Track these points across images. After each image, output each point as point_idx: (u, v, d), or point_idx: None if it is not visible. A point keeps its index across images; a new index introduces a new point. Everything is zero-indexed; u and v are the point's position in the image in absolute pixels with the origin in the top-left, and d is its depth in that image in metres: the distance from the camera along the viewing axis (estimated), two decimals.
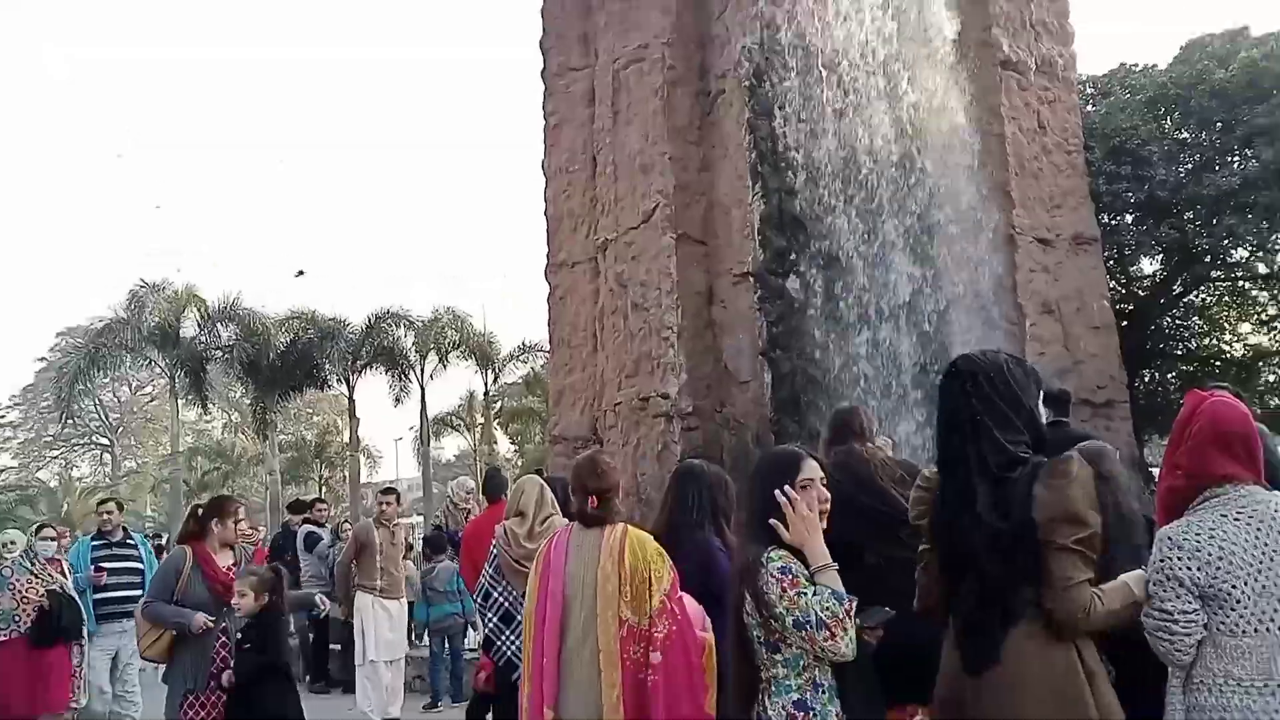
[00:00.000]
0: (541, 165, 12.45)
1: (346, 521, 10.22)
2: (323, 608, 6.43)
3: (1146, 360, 21.73)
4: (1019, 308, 12.95)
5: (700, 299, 11.44)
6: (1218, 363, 22.94)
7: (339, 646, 9.42)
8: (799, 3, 10.79)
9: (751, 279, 11.28)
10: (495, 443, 40.92)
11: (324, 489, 43.65)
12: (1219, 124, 18.11)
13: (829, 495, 2.46)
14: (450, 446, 51.39)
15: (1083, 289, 13.90)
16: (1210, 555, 2.25)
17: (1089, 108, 18.59)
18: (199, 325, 29.53)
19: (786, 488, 2.43)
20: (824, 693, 2.30)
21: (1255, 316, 22.86)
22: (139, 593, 6.90)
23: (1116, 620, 2.30)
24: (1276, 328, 22.50)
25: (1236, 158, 18.14)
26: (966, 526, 2.29)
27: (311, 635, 10.14)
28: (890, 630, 2.58)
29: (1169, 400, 22.22)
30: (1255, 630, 2.24)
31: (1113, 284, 20.23)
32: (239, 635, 4.77)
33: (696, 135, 11.09)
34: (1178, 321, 23.02)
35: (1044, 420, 2.54)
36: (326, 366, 30.04)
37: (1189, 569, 2.25)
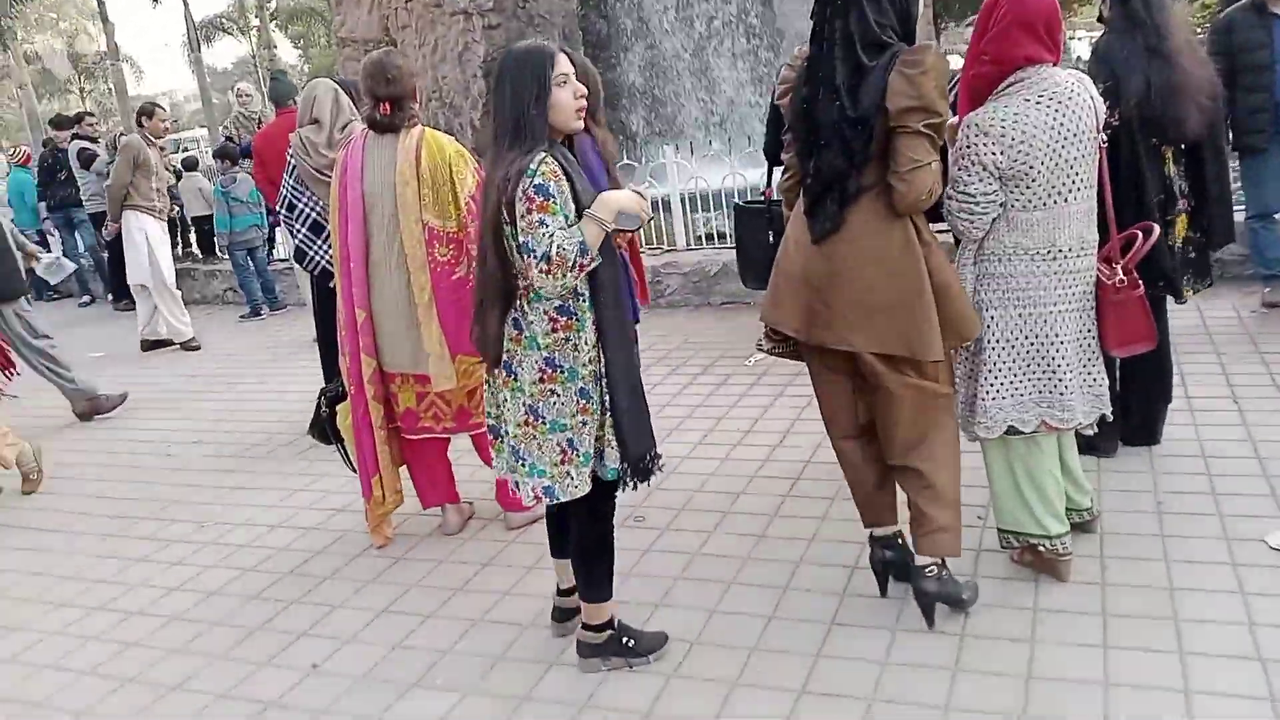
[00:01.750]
0: None
1: (122, 134, 9.26)
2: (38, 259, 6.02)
3: None
4: None
5: None
6: None
7: None
8: None
9: None
10: (275, 46, 37.17)
11: (86, 102, 39.24)
12: None
13: (585, 89, 2.32)
14: (226, 54, 46.45)
15: None
16: (1013, 139, 2.40)
17: None
18: None
19: None
20: (583, 300, 2.30)
21: None
22: None
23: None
24: None
25: None
26: (825, 105, 2.32)
27: (106, 255, 9.68)
28: None
29: None
30: (1044, 205, 2.46)
31: None
32: None
33: None
34: None
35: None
36: None
37: (993, 154, 2.41)
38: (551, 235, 2.16)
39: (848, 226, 2.40)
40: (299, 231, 3.98)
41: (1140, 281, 2.62)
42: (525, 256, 2.19)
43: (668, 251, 7.01)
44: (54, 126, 10.00)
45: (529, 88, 2.20)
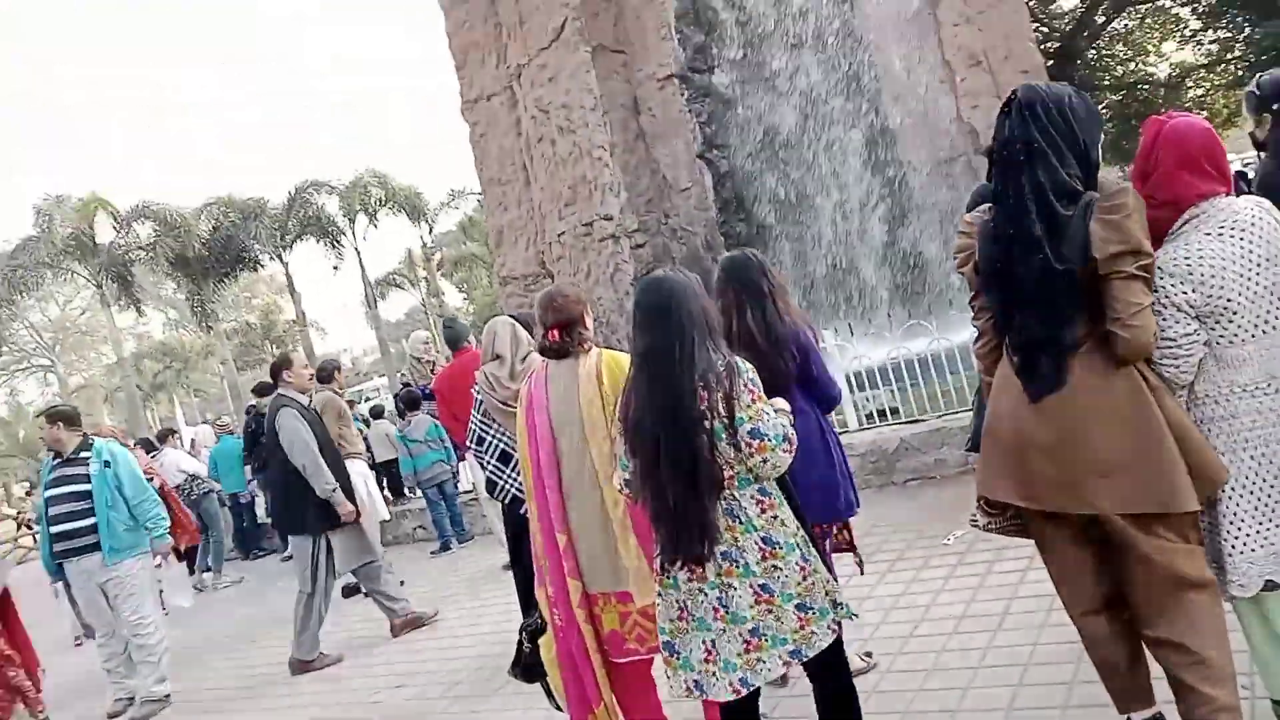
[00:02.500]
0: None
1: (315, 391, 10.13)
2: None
3: None
4: (948, 63, 12.76)
5: (627, 111, 11.08)
6: (1145, 86, 23.03)
7: None
8: None
9: (677, 81, 10.95)
10: (442, 294, 40.69)
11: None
12: None
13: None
14: (398, 306, 51.03)
15: (1008, 35, 13.62)
16: (1203, 275, 2.31)
17: None
18: (114, 229, 28.74)
19: None
20: (773, 493, 2.57)
21: (1178, 34, 22.77)
22: (90, 521, 5.79)
23: None
24: (1201, 42, 22.47)
25: None
26: (1022, 260, 2.28)
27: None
28: None
29: (1103, 131, 22.38)
30: (1254, 336, 2.33)
31: (1036, 26, 19.97)
32: None
33: None
34: (1103, 51, 22.92)
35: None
36: (255, 247, 29.48)
37: (1184, 293, 2.31)
38: (778, 420, 2.49)
39: (1068, 383, 2.31)
40: (489, 463, 4.16)
41: None
42: (755, 441, 2.45)
43: (841, 433, 6.89)
44: (257, 394, 10.99)
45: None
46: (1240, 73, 20.19)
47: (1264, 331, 2.34)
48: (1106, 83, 22.80)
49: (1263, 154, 3.06)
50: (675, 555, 2.54)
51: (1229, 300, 2.32)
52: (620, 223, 11.05)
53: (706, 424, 2.46)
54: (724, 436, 2.46)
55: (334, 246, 30.83)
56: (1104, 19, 21.17)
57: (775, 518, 2.54)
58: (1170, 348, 2.35)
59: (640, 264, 11.13)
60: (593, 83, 10.68)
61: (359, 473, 7.62)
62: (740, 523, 2.51)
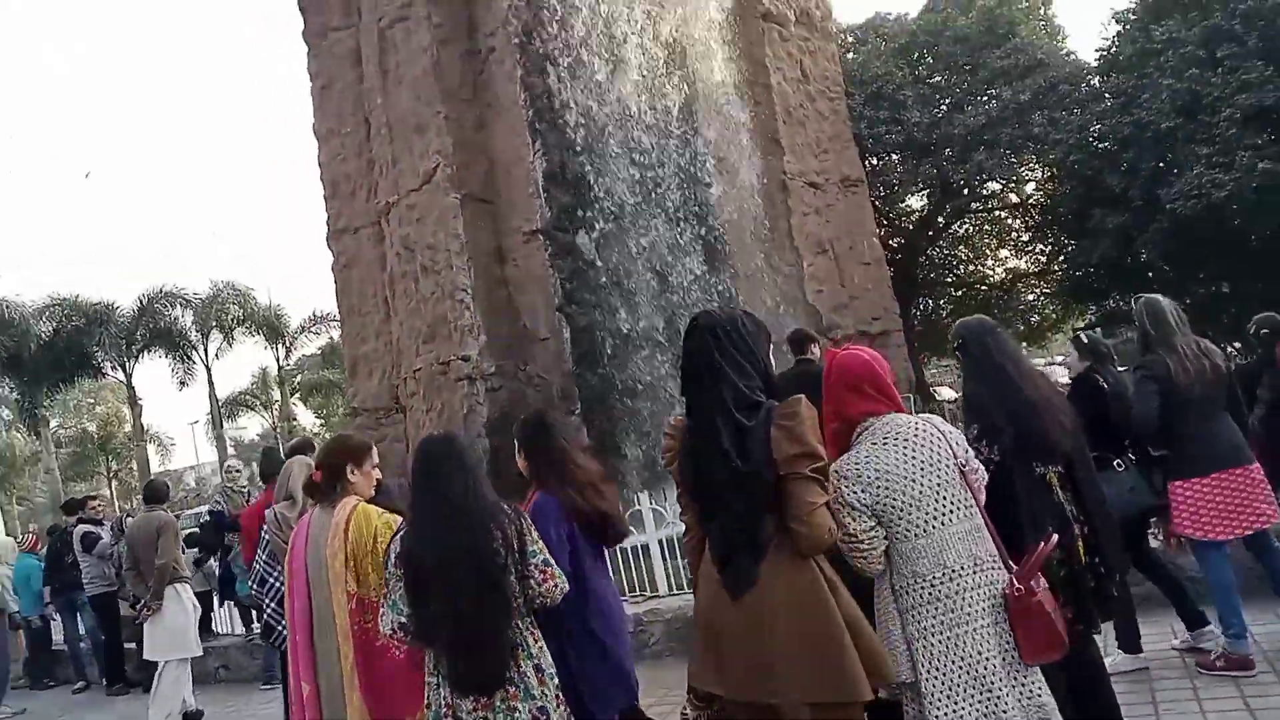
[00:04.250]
0: (312, 128, 11.96)
1: (129, 515, 9.61)
2: None
3: (920, 289, 23.57)
4: (795, 250, 13.72)
5: (491, 258, 11.38)
6: (983, 286, 25.16)
7: (134, 645, 8.94)
8: None
9: (541, 236, 11.36)
10: (294, 418, 39.39)
11: (113, 482, 40.83)
12: (965, 67, 19.67)
13: None
14: (253, 425, 49.03)
15: (853, 228, 14.86)
16: (870, 478, 2.64)
17: (848, 55, 19.73)
18: None
19: None
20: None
21: (1012, 242, 25.16)
22: None
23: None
24: (1030, 251, 24.85)
25: (983, 97, 19.79)
26: (713, 467, 2.51)
27: (103, 636, 9.65)
28: None
29: (942, 324, 24.21)
30: (925, 532, 2.64)
31: (884, 221, 21.78)
32: None
33: (471, 93, 10.95)
34: (945, 251, 25.05)
35: (773, 365, 2.79)
36: (99, 354, 28.01)
37: (856, 493, 2.65)
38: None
39: (761, 578, 2.50)
40: (268, 606, 4.08)
41: (1039, 589, 2.68)
42: (547, 569, 2.91)
43: (650, 598, 7.00)
44: (65, 511, 10.35)
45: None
46: (1063, 281, 22.36)
47: (934, 527, 2.66)
48: (948, 280, 24.79)
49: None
50: (466, 686, 2.73)
51: (894, 500, 2.64)
52: (477, 365, 11.15)
53: (500, 559, 2.75)
54: (514, 569, 2.78)
55: (184, 361, 29.62)
56: (945, 221, 23.20)
57: (542, 647, 2.87)
58: (853, 543, 2.64)
59: (495, 407, 11.20)
60: (459, 228, 10.98)
61: (189, 598, 7.26)
62: (523, 650, 2.80)
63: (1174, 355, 4.32)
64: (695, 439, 2.63)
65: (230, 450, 36.08)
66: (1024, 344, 29.16)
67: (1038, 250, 24.04)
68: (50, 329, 27.53)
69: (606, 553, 3.58)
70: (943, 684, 2.60)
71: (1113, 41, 19.62)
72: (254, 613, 9.68)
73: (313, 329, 32.94)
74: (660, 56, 11.92)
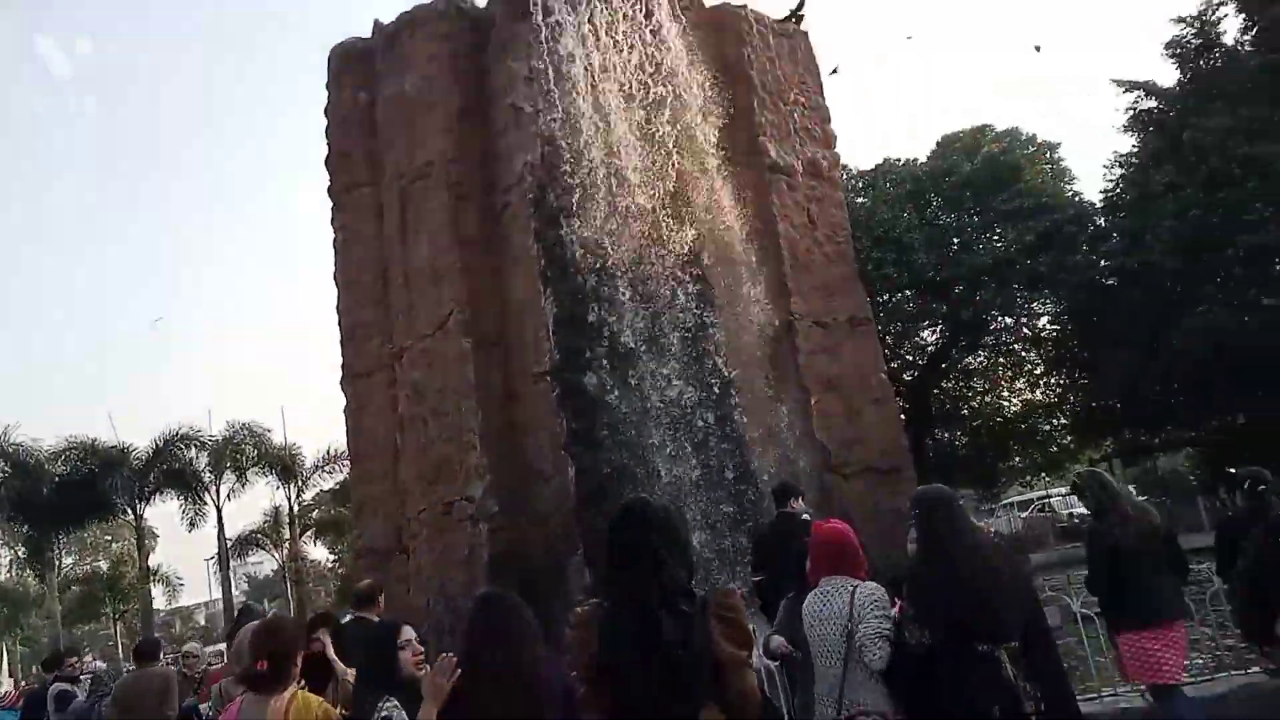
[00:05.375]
0: (334, 277, 12.48)
1: (108, 674, 9.48)
2: None
3: (935, 422, 23.60)
4: (804, 388, 13.85)
5: (499, 400, 11.63)
6: (998, 419, 25.15)
7: None
8: (578, 120, 11.41)
9: (549, 379, 11.62)
10: (303, 557, 38.96)
11: (118, 624, 40.28)
12: (973, 209, 20.26)
13: None
14: (270, 562, 48.54)
15: (861, 366, 14.98)
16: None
17: (859, 199, 20.42)
18: None
19: None
20: None
21: (1026, 375, 25.26)
22: None
23: None
24: (1045, 383, 24.91)
25: (993, 237, 20.31)
26: (648, 658, 2.52)
27: None
28: None
29: (958, 457, 24.15)
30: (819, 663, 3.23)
31: (896, 355, 22.06)
32: None
33: (486, 245, 11.44)
34: (959, 384, 25.18)
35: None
36: (112, 496, 28.01)
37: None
38: None
39: None
40: None
41: None
42: None
43: None
44: (43, 668, 10.10)
45: None
46: (1079, 412, 22.34)
47: (830, 663, 3.28)
48: (964, 413, 24.81)
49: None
50: None
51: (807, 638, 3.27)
52: (481, 506, 11.25)
53: None
54: None
55: (195, 502, 29.71)
56: (958, 355, 23.41)
57: None
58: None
59: (497, 548, 11.23)
60: (470, 372, 11.27)
61: None
62: None
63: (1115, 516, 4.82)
64: (623, 628, 2.65)
65: (244, 587, 35.71)
66: (1042, 474, 29.01)
67: (1052, 383, 24.11)
68: (64, 471, 27.89)
69: None
70: None
71: (1116, 183, 20.20)
72: None
73: (326, 468, 32.96)
74: (669, 205, 12.40)
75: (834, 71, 13.79)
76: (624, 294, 11.94)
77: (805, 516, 6.50)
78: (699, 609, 2.63)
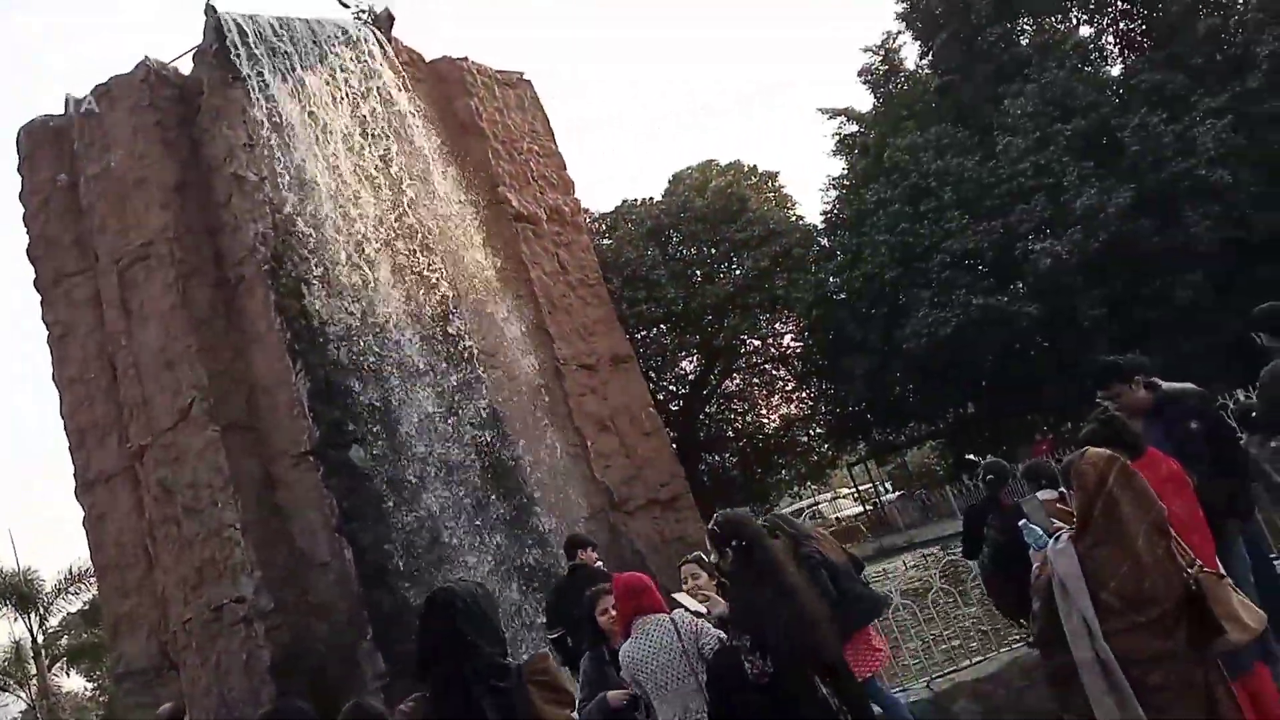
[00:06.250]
0: (53, 378, 11.22)
1: None
2: None
3: (704, 447, 24.55)
4: (578, 430, 14.00)
5: (258, 488, 10.86)
6: (760, 436, 26.54)
7: None
8: (308, 183, 11.00)
9: (311, 458, 10.99)
10: (55, 693, 34.56)
11: None
12: (708, 242, 21.49)
13: None
14: (16, 703, 42.40)
15: (630, 402, 15.39)
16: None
17: (603, 241, 21.08)
18: None
19: None
20: None
21: (780, 391, 26.86)
22: None
23: None
24: (797, 397, 26.56)
25: (732, 265, 21.57)
26: None
27: None
28: None
29: (729, 477, 25.24)
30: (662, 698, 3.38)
31: (662, 388, 22.83)
32: None
33: (223, 324, 10.73)
34: (722, 408, 26.39)
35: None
36: None
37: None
38: None
39: None
40: None
41: None
42: None
43: None
44: None
45: None
46: (831, 420, 24.00)
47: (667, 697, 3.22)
48: (729, 434, 25.99)
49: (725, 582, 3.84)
50: None
51: (641, 672, 3.24)
52: (254, 604, 10.42)
53: None
54: None
55: None
56: (716, 381, 24.55)
57: None
58: None
59: (278, 647, 10.42)
60: (222, 461, 10.48)
61: None
62: None
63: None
64: (449, 717, 2.68)
65: None
66: (808, 482, 30.91)
67: (804, 395, 25.77)
68: None
69: None
70: None
71: (833, 205, 22.10)
72: None
73: (71, 589, 29.48)
74: (419, 263, 12.18)
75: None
76: (380, 358, 11.58)
77: (598, 564, 6.56)
78: (516, 681, 2.70)
